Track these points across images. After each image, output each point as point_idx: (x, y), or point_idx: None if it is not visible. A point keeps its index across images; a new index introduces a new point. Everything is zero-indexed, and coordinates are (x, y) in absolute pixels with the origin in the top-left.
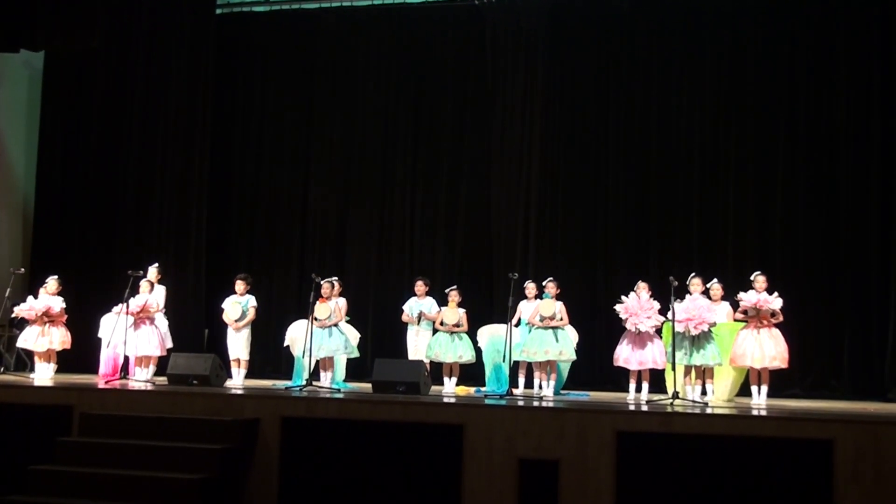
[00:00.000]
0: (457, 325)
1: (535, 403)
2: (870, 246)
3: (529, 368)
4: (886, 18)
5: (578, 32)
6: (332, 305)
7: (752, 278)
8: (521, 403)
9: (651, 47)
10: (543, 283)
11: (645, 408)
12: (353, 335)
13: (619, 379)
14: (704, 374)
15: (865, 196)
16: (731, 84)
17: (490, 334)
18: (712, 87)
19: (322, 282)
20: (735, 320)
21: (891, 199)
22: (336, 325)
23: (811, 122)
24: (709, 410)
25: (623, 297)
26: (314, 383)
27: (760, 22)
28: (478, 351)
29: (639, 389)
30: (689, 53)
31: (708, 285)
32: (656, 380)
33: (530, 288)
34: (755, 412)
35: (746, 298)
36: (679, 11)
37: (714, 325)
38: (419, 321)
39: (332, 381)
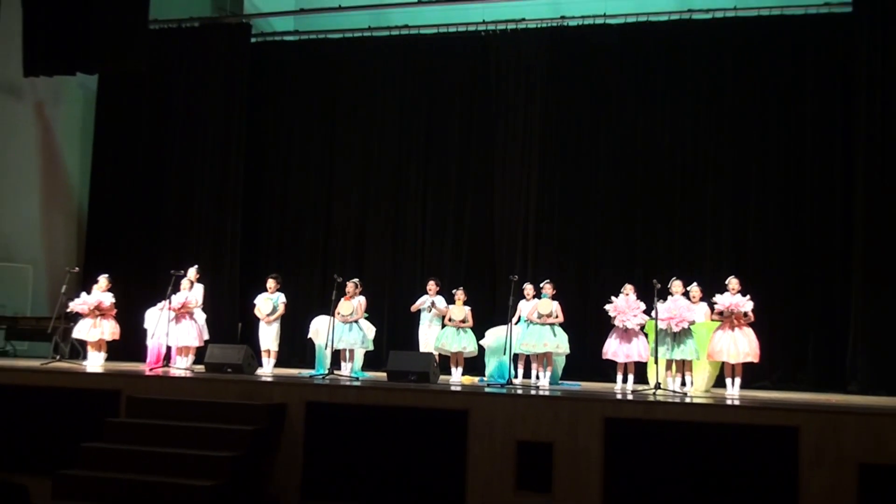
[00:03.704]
0: (463, 321)
1: (532, 392)
2: (833, 253)
3: (527, 361)
4: (849, 53)
5: (573, 61)
6: (354, 303)
7: (726, 282)
8: (519, 392)
9: (637, 75)
10: (541, 285)
11: (630, 397)
12: (370, 331)
13: (607, 371)
14: (684, 367)
15: (830, 208)
16: (709, 108)
17: (497, 336)
18: (692, 109)
19: (347, 282)
20: (712, 320)
21: (852, 213)
22: (356, 321)
23: (781, 142)
24: (688, 400)
25: (612, 298)
26: (335, 372)
27: (736, 56)
28: (483, 348)
29: (625, 380)
30: (672, 80)
31: (688, 288)
32: (641, 372)
33: (529, 289)
34: (729, 402)
35: (721, 301)
36: (662, 45)
37: (693, 323)
38: (431, 309)
39: (352, 370)
